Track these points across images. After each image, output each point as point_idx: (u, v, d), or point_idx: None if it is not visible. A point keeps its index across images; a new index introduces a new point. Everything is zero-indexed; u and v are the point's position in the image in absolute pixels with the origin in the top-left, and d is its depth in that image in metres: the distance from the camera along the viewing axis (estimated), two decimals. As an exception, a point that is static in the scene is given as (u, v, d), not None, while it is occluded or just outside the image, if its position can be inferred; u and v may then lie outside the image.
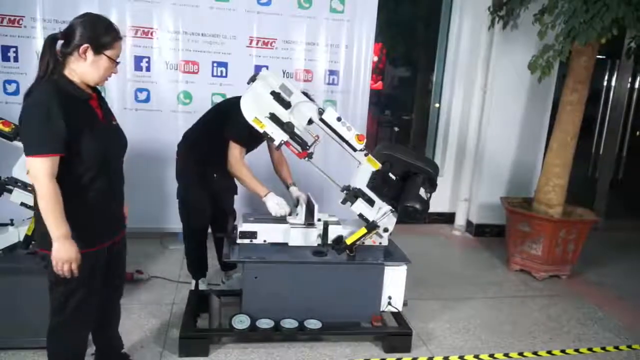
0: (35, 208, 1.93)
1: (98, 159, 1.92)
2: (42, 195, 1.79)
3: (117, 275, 2.30)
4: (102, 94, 2.14)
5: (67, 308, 2.01)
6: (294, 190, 3.21)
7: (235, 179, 3.18)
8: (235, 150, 3.02)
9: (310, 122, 2.73)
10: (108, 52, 1.91)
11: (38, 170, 1.77)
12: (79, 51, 1.86)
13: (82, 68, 1.89)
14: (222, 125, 3.04)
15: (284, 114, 2.64)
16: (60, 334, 2.06)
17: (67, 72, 1.89)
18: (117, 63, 1.99)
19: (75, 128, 1.82)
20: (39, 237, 1.99)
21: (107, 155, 1.98)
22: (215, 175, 3.19)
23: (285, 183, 3.30)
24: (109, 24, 1.94)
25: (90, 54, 1.88)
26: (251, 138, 3.06)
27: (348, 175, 2.88)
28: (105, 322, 2.40)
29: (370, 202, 2.78)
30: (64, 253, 1.84)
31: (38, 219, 1.92)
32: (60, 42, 1.88)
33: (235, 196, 3.45)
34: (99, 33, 1.89)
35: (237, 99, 2.70)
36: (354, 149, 2.75)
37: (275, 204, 2.97)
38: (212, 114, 3.29)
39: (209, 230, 3.36)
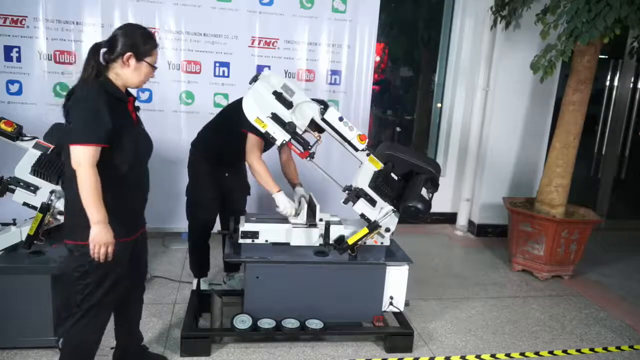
0: (66, 200, 2.12)
1: (132, 155, 2.08)
2: (84, 180, 1.92)
3: (139, 270, 2.40)
4: None
5: (94, 297, 2.09)
6: (299, 191, 3.19)
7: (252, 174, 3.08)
8: (251, 140, 2.95)
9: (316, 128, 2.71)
10: (148, 59, 2.11)
11: (82, 158, 1.92)
12: (123, 59, 2.05)
13: (126, 74, 2.08)
14: (236, 124, 2.98)
15: (285, 114, 2.64)
16: (84, 323, 2.13)
17: (111, 76, 2.08)
18: (155, 68, 2.17)
19: (116, 124, 1.99)
20: (70, 228, 2.11)
21: (139, 154, 2.16)
22: (227, 174, 3.20)
23: (292, 183, 3.29)
24: (147, 34, 2.13)
25: (132, 61, 2.07)
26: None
27: (350, 175, 2.88)
28: (130, 318, 2.50)
29: (372, 202, 2.78)
30: (102, 237, 1.96)
31: (70, 210, 2.09)
32: (103, 50, 2.05)
33: (248, 197, 3.45)
34: (139, 42, 2.08)
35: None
36: (356, 149, 2.75)
37: (287, 201, 2.93)
38: (226, 112, 3.25)
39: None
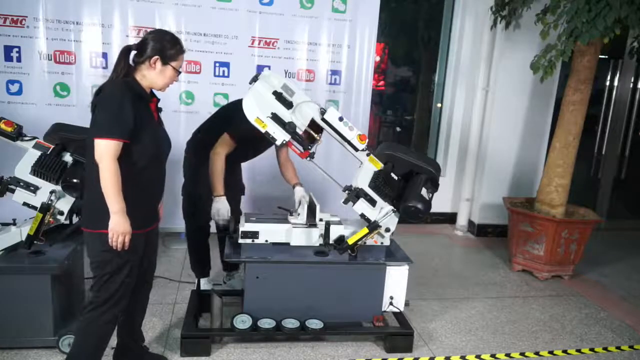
0: (87, 189, 2.19)
1: (150, 153, 2.19)
2: (106, 172, 2.03)
3: (148, 266, 2.44)
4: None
5: (111, 285, 2.17)
6: (299, 191, 3.19)
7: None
8: (224, 140, 3.03)
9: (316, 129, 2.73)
10: (173, 64, 2.23)
11: (104, 151, 2.03)
12: (150, 61, 2.17)
13: (151, 76, 2.20)
14: (226, 125, 3.04)
15: (285, 114, 2.63)
16: (98, 313, 2.19)
17: (138, 77, 2.20)
18: (179, 73, 2.29)
19: (138, 122, 2.11)
20: (88, 217, 2.20)
21: (158, 152, 2.26)
22: None
23: (291, 183, 3.28)
24: (175, 40, 2.24)
25: (158, 64, 2.19)
26: (247, 142, 3.06)
27: (350, 175, 2.88)
28: (135, 315, 2.52)
29: (372, 202, 2.78)
30: (120, 226, 2.07)
31: (89, 200, 2.18)
32: (133, 52, 2.19)
33: (242, 197, 3.45)
34: (166, 47, 2.19)
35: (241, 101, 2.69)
36: (356, 149, 2.75)
37: (220, 207, 3.00)
38: (218, 114, 3.30)
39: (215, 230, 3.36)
